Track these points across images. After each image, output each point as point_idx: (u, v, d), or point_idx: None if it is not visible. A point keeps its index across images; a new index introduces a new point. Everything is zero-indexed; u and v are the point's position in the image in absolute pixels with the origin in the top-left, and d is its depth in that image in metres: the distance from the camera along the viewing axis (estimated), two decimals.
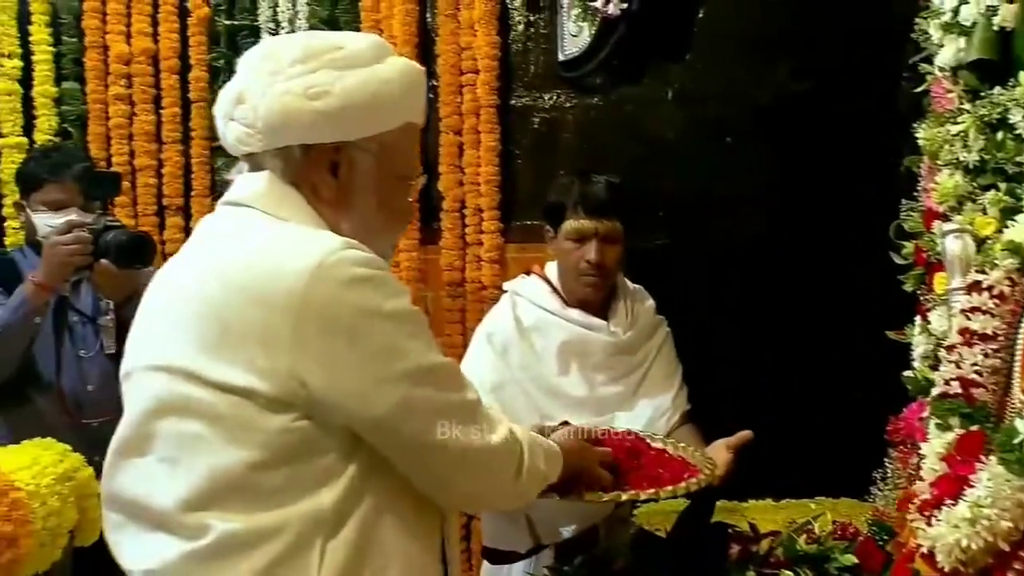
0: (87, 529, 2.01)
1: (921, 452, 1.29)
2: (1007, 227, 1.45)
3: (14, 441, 2.04)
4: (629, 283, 2.24)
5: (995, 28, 1.55)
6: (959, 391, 1.26)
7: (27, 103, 2.96)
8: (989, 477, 1.10)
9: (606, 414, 2.02)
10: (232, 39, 2.96)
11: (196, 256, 1.18)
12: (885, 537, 1.61)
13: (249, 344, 1.06)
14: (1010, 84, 1.54)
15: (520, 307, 2.17)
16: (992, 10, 1.55)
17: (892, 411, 1.88)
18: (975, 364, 1.26)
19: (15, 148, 2.90)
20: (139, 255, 2.19)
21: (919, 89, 1.83)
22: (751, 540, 1.73)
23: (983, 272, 1.37)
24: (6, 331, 2.20)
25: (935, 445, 1.21)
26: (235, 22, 2.97)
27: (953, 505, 1.10)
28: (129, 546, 1.13)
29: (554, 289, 2.17)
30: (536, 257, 2.39)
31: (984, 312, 1.30)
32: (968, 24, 1.59)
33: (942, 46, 1.67)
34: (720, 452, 1.84)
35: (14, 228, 2.86)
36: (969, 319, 1.31)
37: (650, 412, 2.09)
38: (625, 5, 2.60)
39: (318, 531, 1.08)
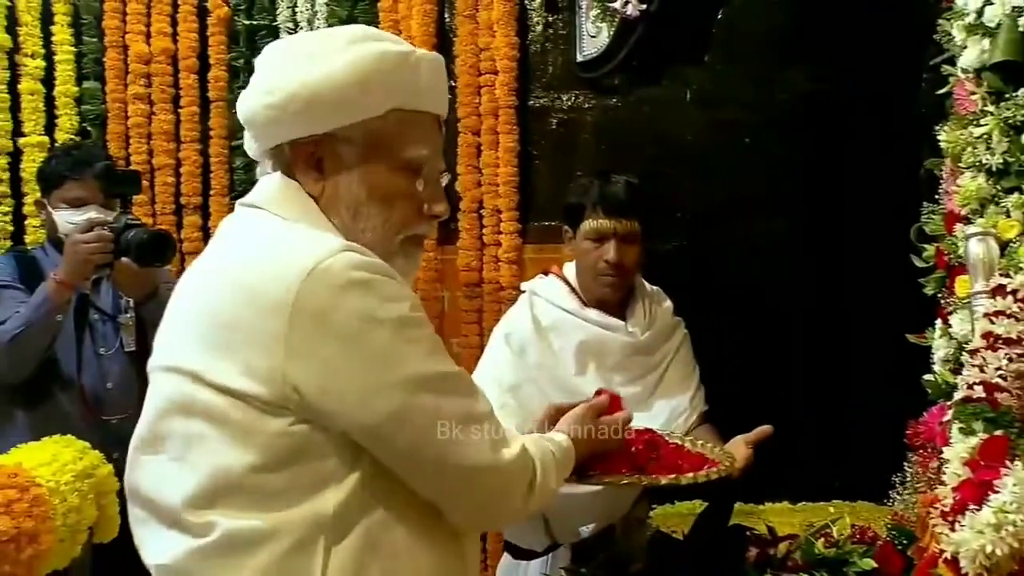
0: (106, 526, 2.02)
1: (943, 456, 1.28)
2: None
3: (34, 438, 2.05)
4: (647, 284, 2.24)
5: (1020, 29, 1.55)
6: (983, 395, 1.25)
7: (48, 102, 2.98)
8: (1015, 482, 1.09)
9: None
10: (251, 39, 2.98)
11: (207, 257, 1.21)
12: (905, 541, 1.60)
13: (246, 347, 1.06)
14: None
15: (538, 307, 2.17)
16: (1018, 11, 1.54)
17: (911, 415, 1.87)
18: (999, 368, 1.25)
19: (36, 147, 2.92)
20: (159, 253, 2.20)
21: (941, 91, 1.81)
22: (769, 543, 1.72)
23: (1007, 276, 1.36)
24: (29, 328, 2.22)
25: (958, 450, 1.21)
26: (254, 22, 2.98)
27: (977, 510, 1.09)
28: (149, 541, 1.15)
29: (572, 289, 2.18)
30: (554, 258, 2.39)
31: (1008, 316, 1.29)
32: (992, 25, 1.58)
33: (965, 47, 1.66)
34: (739, 447, 1.83)
35: (34, 226, 2.89)
36: (993, 323, 1.30)
37: (667, 412, 2.09)
38: (644, 6, 2.59)
39: (321, 535, 1.07)
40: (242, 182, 2.94)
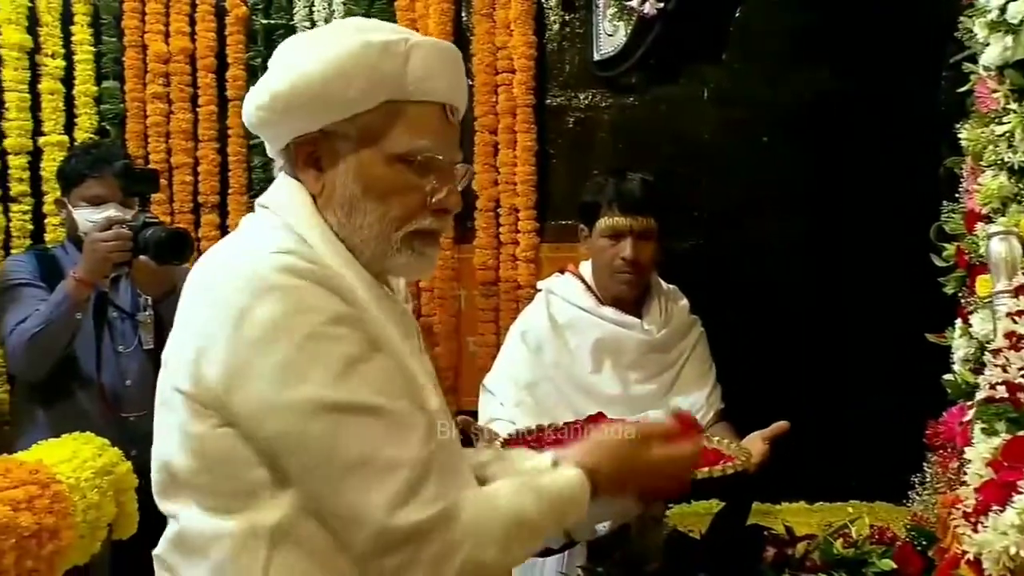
0: (125, 522, 2.04)
1: (964, 457, 1.27)
2: None
3: (54, 435, 2.07)
4: (663, 283, 2.24)
5: None
6: (1005, 395, 1.24)
7: (68, 102, 3.00)
8: None
9: (639, 412, 2.01)
10: (269, 38, 2.98)
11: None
12: (924, 542, 1.59)
13: (191, 345, 1.06)
14: None
15: (554, 305, 2.18)
16: None
17: (930, 414, 1.86)
18: (1022, 368, 1.24)
19: (56, 146, 2.94)
20: (177, 252, 2.21)
21: (962, 89, 1.80)
22: (787, 543, 1.71)
23: None
24: (48, 326, 2.24)
25: (981, 450, 1.19)
26: (272, 21, 2.99)
27: (1001, 511, 1.07)
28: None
29: (588, 287, 2.18)
30: (570, 256, 2.39)
31: None
32: (1015, 22, 1.57)
33: (987, 44, 1.65)
34: (756, 443, 1.83)
35: (54, 225, 2.90)
36: (1016, 322, 1.29)
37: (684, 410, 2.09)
38: (661, 4, 2.59)
39: (260, 546, 1.03)
40: (260, 181, 2.96)
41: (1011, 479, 1.10)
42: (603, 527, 1.89)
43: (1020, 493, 1.07)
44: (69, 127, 2.99)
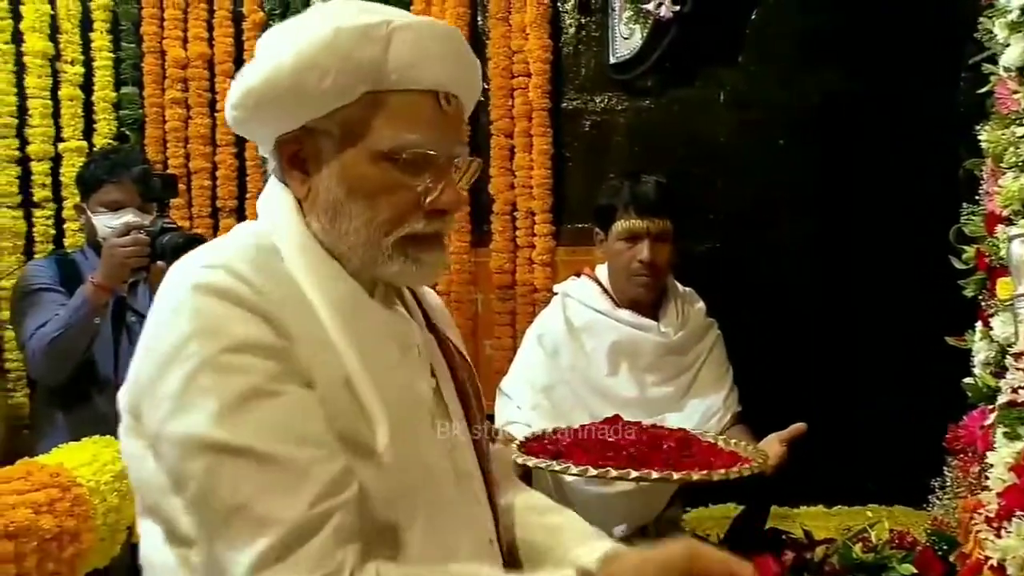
0: None
1: (986, 461, 1.26)
2: None
3: (74, 438, 2.08)
4: (679, 285, 2.23)
5: None
6: None
7: (87, 108, 3.03)
8: None
9: (656, 415, 2.01)
10: None
11: None
12: (945, 547, 1.58)
13: (136, 356, 0.98)
14: None
15: (570, 308, 2.18)
16: None
17: (949, 418, 1.85)
18: None
19: (75, 152, 2.96)
20: None
21: (982, 90, 1.79)
22: (805, 547, 1.71)
23: None
24: (68, 330, 2.26)
25: (1003, 455, 1.19)
26: None
27: None
28: None
29: (604, 290, 2.18)
30: (587, 260, 2.39)
31: None
32: None
33: (1008, 45, 1.64)
34: (773, 445, 1.83)
35: (74, 230, 2.93)
36: None
37: (701, 412, 2.09)
38: (677, 7, 2.58)
39: None
40: None
41: None
42: (620, 530, 1.89)
43: None
44: (88, 133, 3.02)
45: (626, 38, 2.73)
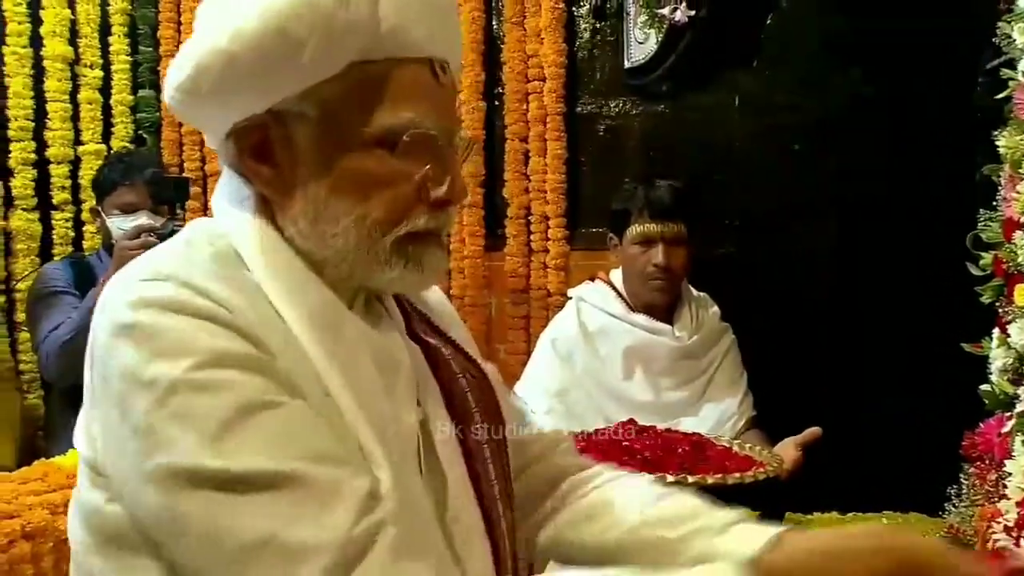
0: None
1: (1004, 469, 1.26)
2: None
3: None
4: (693, 289, 2.24)
5: None
6: None
7: (105, 111, 3.05)
8: None
9: (671, 419, 2.01)
10: None
11: None
12: None
13: (86, 388, 0.83)
14: None
15: (585, 312, 2.18)
16: None
17: (965, 425, 1.84)
18: None
19: (94, 155, 2.99)
20: None
21: (1000, 95, 1.78)
22: None
23: None
24: (80, 333, 2.26)
25: (1022, 463, 1.18)
26: None
27: None
28: None
29: (619, 294, 2.18)
30: (600, 264, 2.39)
31: None
32: None
33: None
34: (788, 449, 1.83)
35: (92, 232, 2.95)
36: None
37: (716, 417, 2.09)
38: (692, 12, 2.58)
39: None
40: None
41: None
42: None
43: None
44: (106, 136, 3.04)
45: (641, 43, 2.73)
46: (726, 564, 0.82)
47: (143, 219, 2.35)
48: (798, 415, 1.96)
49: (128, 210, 2.40)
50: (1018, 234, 1.65)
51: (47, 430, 2.67)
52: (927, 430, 2.29)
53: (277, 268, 0.83)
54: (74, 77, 3.01)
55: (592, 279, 2.28)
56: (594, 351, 2.13)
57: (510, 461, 1.02)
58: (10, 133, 2.94)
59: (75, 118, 3.01)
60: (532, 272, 2.88)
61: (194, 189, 3.04)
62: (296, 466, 0.73)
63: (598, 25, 2.88)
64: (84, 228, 3.00)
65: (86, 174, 2.96)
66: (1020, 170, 1.64)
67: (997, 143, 1.74)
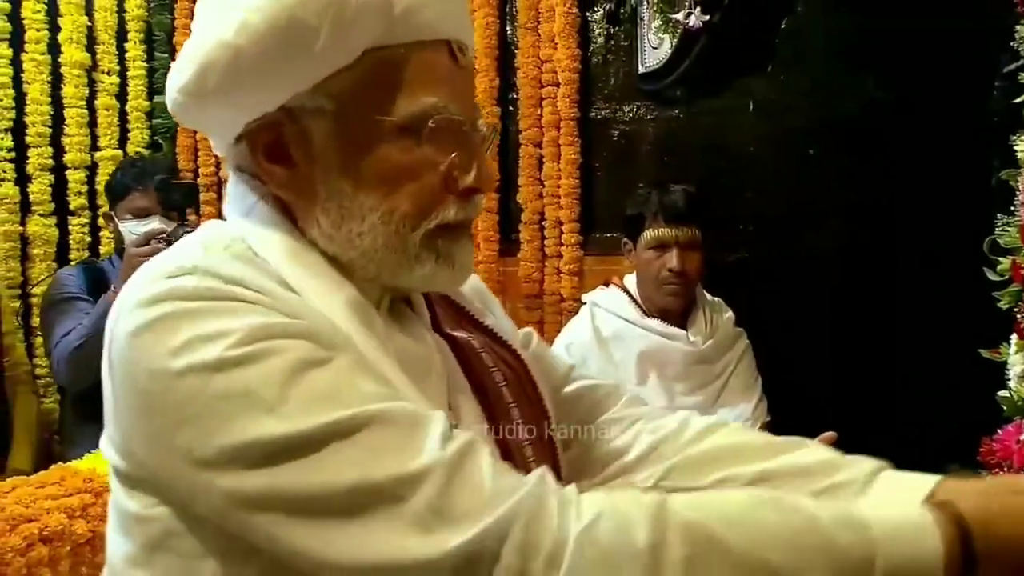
0: None
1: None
2: None
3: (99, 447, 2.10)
4: (707, 294, 2.23)
5: None
6: None
7: (121, 117, 3.08)
8: None
9: None
10: None
11: None
12: None
13: (108, 400, 0.78)
14: None
15: (599, 317, 2.18)
16: None
17: (983, 431, 1.83)
18: None
19: (111, 160, 3.01)
20: None
21: (1017, 100, 1.77)
22: None
23: None
24: (91, 339, 2.26)
25: None
26: None
27: None
28: None
29: (633, 299, 2.18)
30: (614, 269, 2.39)
31: None
32: None
33: None
34: None
35: (108, 237, 2.98)
36: None
37: (730, 422, 2.07)
38: (707, 17, 2.58)
39: None
40: None
41: None
42: None
43: None
44: (123, 142, 3.07)
45: (655, 48, 2.73)
46: (923, 509, 0.72)
47: (156, 223, 2.35)
48: (813, 420, 1.94)
49: (141, 215, 2.40)
50: None
51: (62, 434, 2.68)
52: (944, 436, 2.28)
53: (307, 267, 0.80)
54: (91, 83, 3.04)
55: (606, 284, 2.28)
56: (608, 356, 2.13)
57: (573, 417, 0.99)
58: (28, 139, 2.96)
59: (92, 124, 3.04)
60: (546, 277, 2.88)
61: (209, 195, 3.06)
62: (366, 408, 0.69)
63: (612, 30, 2.88)
64: (101, 233, 3.03)
65: (103, 180, 2.97)
66: None
67: (1014, 147, 1.73)
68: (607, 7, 2.85)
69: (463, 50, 0.83)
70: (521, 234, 2.90)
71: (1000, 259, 1.84)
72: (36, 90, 2.96)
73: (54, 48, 3.00)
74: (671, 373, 2.11)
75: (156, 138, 3.11)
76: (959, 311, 2.30)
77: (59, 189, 3.01)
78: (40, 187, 2.98)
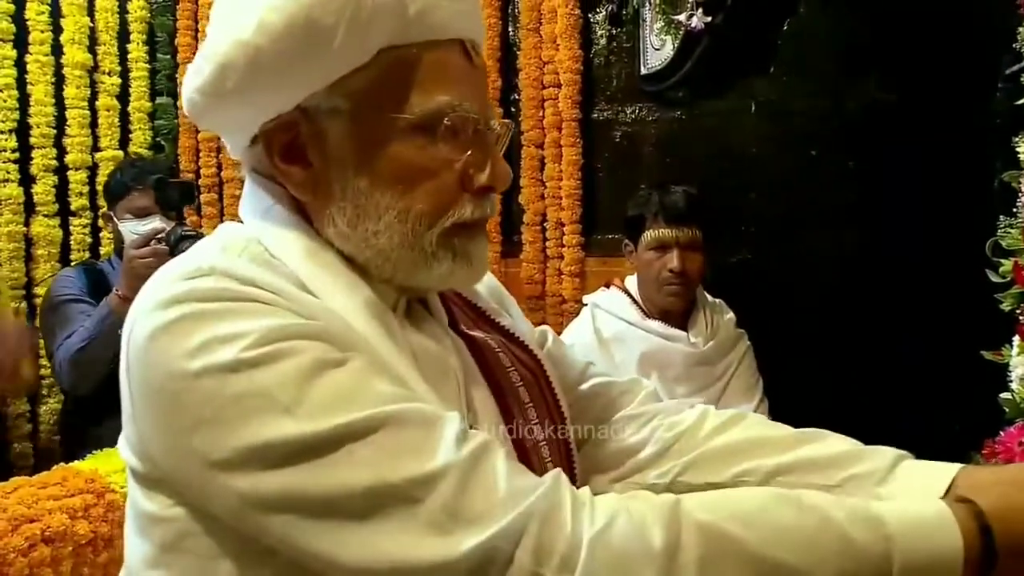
0: None
1: None
2: None
3: (103, 447, 2.10)
4: (708, 296, 2.23)
5: None
6: None
7: (123, 118, 3.09)
8: None
9: None
10: None
11: None
12: None
13: (126, 403, 0.79)
14: None
15: (600, 319, 2.18)
16: None
17: (985, 433, 1.83)
18: None
19: (112, 161, 3.01)
20: None
21: (1020, 101, 1.77)
22: None
23: None
24: (92, 342, 2.27)
25: None
26: None
27: None
28: None
29: (634, 300, 2.18)
30: (616, 270, 2.39)
31: None
32: None
33: None
34: None
35: (108, 238, 2.98)
36: None
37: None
38: (709, 18, 2.58)
39: None
40: None
41: None
42: None
43: None
44: (124, 143, 3.07)
45: (657, 49, 2.73)
46: (941, 504, 0.71)
47: (156, 222, 2.34)
48: (814, 422, 1.94)
49: (141, 214, 2.39)
50: None
51: (64, 435, 2.69)
52: (946, 438, 2.27)
53: (324, 269, 0.81)
54: (93, 84, 3.05)
55: (607, 285, 2.28)
56: (609, 357, 2.13)
57: (588, 417, 1.00)
58: (32, 140, 2.97)
59: (93, 125, 3.04)
60: (547, 278, 2.88)
61: (210, 195, 3.06)
62: (382, 409, 0.70)
63: (614, 31, 2.88)
64: (101, 234, 3.03)
65: (103, 180, 2.98)
66: None
67: (1016, 149, 1.73)
68: (609, 8, 2.85)
69: (476, 49, 0.84)
70: (523, 235, 2.90)
71: (1002, 261, 1.84)
72: (40, 91, 2.97)
73: (56, 49, 3.00)
74: (672, 375, 2.11)
75: (158, 139, 3.11)
76: (961, 313, 2.30)
77: (62, 190, 3.02)
78: (44, 188, 2.98)
